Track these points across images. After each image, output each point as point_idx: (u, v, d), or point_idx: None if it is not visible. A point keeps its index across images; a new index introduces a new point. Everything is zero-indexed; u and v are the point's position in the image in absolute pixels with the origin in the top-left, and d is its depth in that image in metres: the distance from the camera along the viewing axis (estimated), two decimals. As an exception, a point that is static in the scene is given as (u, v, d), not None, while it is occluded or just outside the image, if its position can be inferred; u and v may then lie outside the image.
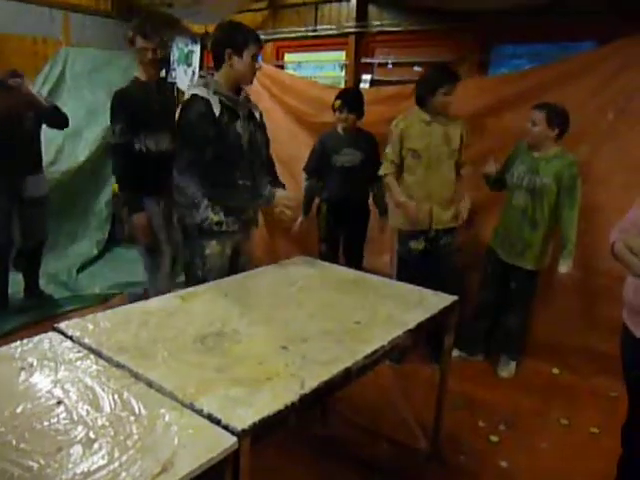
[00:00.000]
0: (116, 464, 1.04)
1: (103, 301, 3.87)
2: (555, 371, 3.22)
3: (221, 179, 2.29)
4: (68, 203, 4.67)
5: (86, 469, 1.02)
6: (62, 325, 1.65)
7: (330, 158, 3.35)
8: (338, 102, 3.29)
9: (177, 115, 2.39)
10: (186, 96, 2.32)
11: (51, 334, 1.61)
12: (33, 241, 3.74)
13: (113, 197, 4.99)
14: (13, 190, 3.52)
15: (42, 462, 1.04)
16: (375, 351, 1.62)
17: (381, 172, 3.14)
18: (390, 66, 4.20)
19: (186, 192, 2.26)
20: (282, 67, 4.91)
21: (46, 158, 4.37)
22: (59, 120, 3.56)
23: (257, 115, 2.49)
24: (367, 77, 4.23)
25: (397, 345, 1.76)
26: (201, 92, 2.26)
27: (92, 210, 4.92)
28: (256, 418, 1.21)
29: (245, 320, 1.78)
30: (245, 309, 1.88)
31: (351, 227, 3.50)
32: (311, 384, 1.38)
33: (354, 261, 3.42)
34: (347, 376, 1.52)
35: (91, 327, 1.65)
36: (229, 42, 2.27)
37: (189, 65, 4.93)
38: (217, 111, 2.25)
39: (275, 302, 1.99)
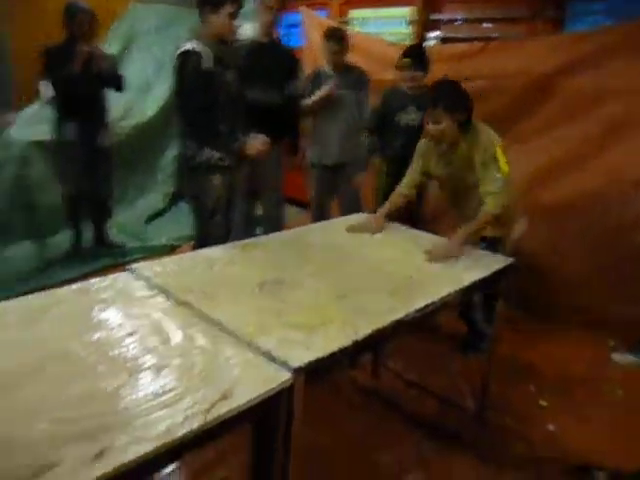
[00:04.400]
0: (181, 389, 1.14)
1: (170, 251, 4.06)
2: (611, 343, 3.14)
3: (207, 125, 2.54)
4: (136, 157, 4.86)
5: (155, 391, 1.13)
6: (134, 266, 1.78)
7: (394, 116, 3.31)
8: (405, 60, 3.22)
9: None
10: (180, 50, 2.48)
11: (124, 274, 1.74)
12: (102, 192, 3.95)
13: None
14: (87, 141, 3.71)
15: (116, 384, 1.15)
16: (427, 305, 1.65)
17: None
18: (459, 22, 4.05)
19: (194, 135, 2.57)
20: (347, 24, 4.84)
21: (116, 113, 4.57)
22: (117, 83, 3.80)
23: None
24: (434, 34, 4.11)
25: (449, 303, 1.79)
26: (193, 46, 2.45)
27: (159, 164, 5.10)
28: (310, 358, 1.28)
29: (303, 270, 1.85)
30: (304, 260, 1.95)
31: None
32: (364, 331, 1.44)
33: (413, 220, 3.41)
34: (399, 327, 1.57)
35: (160, 269, 1.77)
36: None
37: (249, 21, 4.94)
38: (209, 63, 2.47)
39: (333, 255, 2.05)
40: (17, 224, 4.02)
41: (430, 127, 2.39)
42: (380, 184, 3.52)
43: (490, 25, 3.88)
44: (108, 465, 0.91)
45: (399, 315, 1.55)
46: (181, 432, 1.01)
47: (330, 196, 3.69)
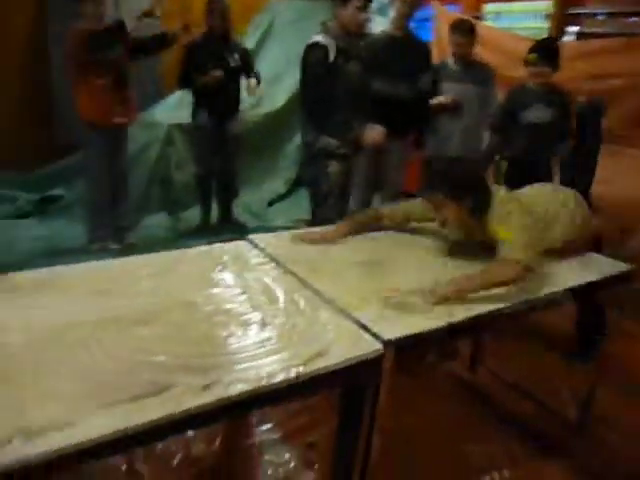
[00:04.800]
0: (282, 344, 1.26)
1: (287, 233, 4.28)
2: None
3: (325, 114, 2.70)
4: (264, 144, 5.16)
5: (259, 342, 1.26)
6: (252, 236, 1.96)
7: (518, 114, 3.23)
8: (532, 56, 3.11)
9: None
10: (308, 43, 2.70)
11: (243, 242, 1.93)
12: (227, 174, 4.25)
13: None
14: (217, 127, 4.01)
15: (227, 332, 1.30)
16: (528, 301, 1.64)
17: None
18: (601, 17, 3.82)
19: (313, 123, 2.77)
20: (480, 18, 4.74)
21: (249, 101, 4.89)
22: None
23: None
24: (573, 29, 3.91)
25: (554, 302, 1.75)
26: (321, 39, 2.64)
27: (284, 152, 5.37)
28: (402, 333, 1.35)
29: (404, 256, 1.91)
30: (406, 247, 2.01)
31: None
32: (459, 316, 1.48)
33: None
34: (496, 318, 1.58)
35: (274, 242, 1.93)
36: None
37: (384, 16, 5.01)
38: (332, 55, 2.62)
39: (435, 245, 2.06)
40: (156, 198, 4.48)
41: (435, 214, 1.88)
42: (499, 184, 3.44)
43: (637, 19, 3.61)
44: (213, 395, 1.06)
45: (497, 306, 1.56)
46: (278, 379, 1.13)
47: None
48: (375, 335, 1.34)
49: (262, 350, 1.23)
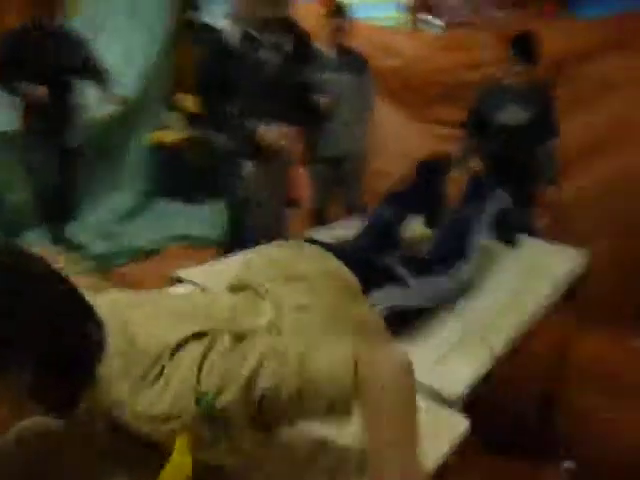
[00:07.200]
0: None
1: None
2: None
3: (215, 106, 2.39)
4: (106, 151, 4.38)
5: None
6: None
7: (491, 116, 2.95)
8: (511, 54, 2.84)
9: None
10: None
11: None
12: (65, 193, 3.58)
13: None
14: (54, 140, 3.34)
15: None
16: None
17: None
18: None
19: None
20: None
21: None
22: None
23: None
24: (435, 20, 3.86)
25: None
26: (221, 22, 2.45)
27: (129, 159, 4.64)
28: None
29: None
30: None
31: (512, 192, 2.44)
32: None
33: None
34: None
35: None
36: None
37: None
38: (236, 40, 2.31)
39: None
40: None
41: None
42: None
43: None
44: None
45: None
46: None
47: (331, 194, 3.34)
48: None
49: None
